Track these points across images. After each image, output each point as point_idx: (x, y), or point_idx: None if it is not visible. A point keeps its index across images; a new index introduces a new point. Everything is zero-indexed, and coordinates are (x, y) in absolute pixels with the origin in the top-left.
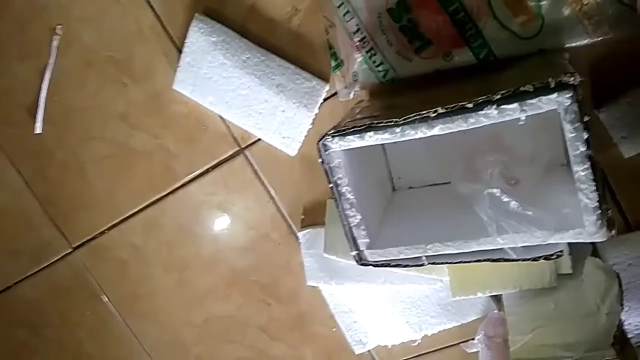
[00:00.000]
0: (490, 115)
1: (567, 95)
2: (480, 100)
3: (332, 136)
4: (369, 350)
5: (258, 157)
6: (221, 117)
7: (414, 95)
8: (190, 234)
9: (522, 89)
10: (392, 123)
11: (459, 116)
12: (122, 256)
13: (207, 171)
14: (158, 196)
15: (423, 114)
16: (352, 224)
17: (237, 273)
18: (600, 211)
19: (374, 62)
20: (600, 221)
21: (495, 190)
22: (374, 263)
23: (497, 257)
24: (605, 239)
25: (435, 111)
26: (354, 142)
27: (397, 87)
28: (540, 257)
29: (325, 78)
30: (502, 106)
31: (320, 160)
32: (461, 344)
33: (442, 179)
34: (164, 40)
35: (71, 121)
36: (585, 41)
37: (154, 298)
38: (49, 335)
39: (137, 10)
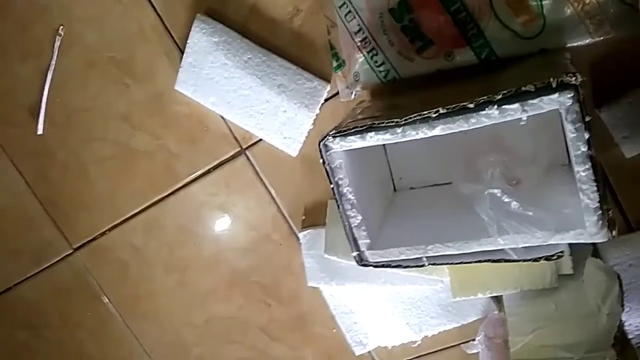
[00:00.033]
0: (491, 116)
1: (569, 95)
2: (482, 101)
3: (334, 136)
4: (369, 351)
5: (259, 157)
6: (223, 118)
7: (415, 95)
8: (191, 235)
9: (523, 89)
10: (394, 123)
11: (460, 116)
12: (122, 257)
13: (208, 172)
14: (159, 197)
15: (424, 114)
16: (353, 225)
17: (238, 274)
18: (601, 211)
19: (376, 62)
20: (601, 222)
21: (496, 191)
22: (374, 264)
23: (497, 257)
24: (606, 240)
25: (437, 111)
26: (355, 142)
27: (398, 87)
28: (541, 258)
29: (326, 78)
30: (504, 106)
31: (321, 160)
32: (461, 345)
33: (443, 179)
34: (166, 41)
35: (73, 122)
36: (587, 41)
37: (154, 299)
38: (50, 336)
39: (139, 11)
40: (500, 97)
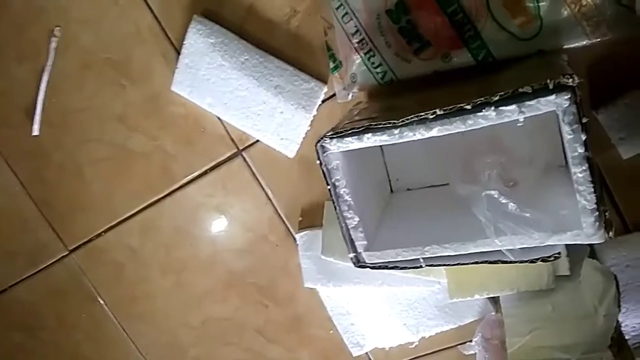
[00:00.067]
0: (488, 117)
1: (566, 97)
2: (479, 102)
3: (330, 138)
4: (366, 353)
5: (256, 158)
6: (219, 119)
7: (413, 96)
8: (187, 236)
9: (520, 90)
10: (391, 125)
11: (457, 118)
12: (118, 258)
13: (205, 173)
14: (155, 198)
15: (421, 115)
16: (349, 226)
17: (235, 275)
18: (598, 213)
19: (373, 63)
20: (598, 223)
21: (493, 192)
22: (371, 265)
23: (494, 259)
24: (603, 241)
25: (434, 113)
26: (352, 143)
27: (395, 89)
28: (537, 259)
29: (323, 79)
30: (501, 108)
31: (318, 161)
32: (458, 346)
33: (440, 180)
34: (162, 42)
35: (69, 123)
36: (584, 42)
37: (151, 300)
38: (45, 338)
39: (136, 12)
40: (497, 98)
